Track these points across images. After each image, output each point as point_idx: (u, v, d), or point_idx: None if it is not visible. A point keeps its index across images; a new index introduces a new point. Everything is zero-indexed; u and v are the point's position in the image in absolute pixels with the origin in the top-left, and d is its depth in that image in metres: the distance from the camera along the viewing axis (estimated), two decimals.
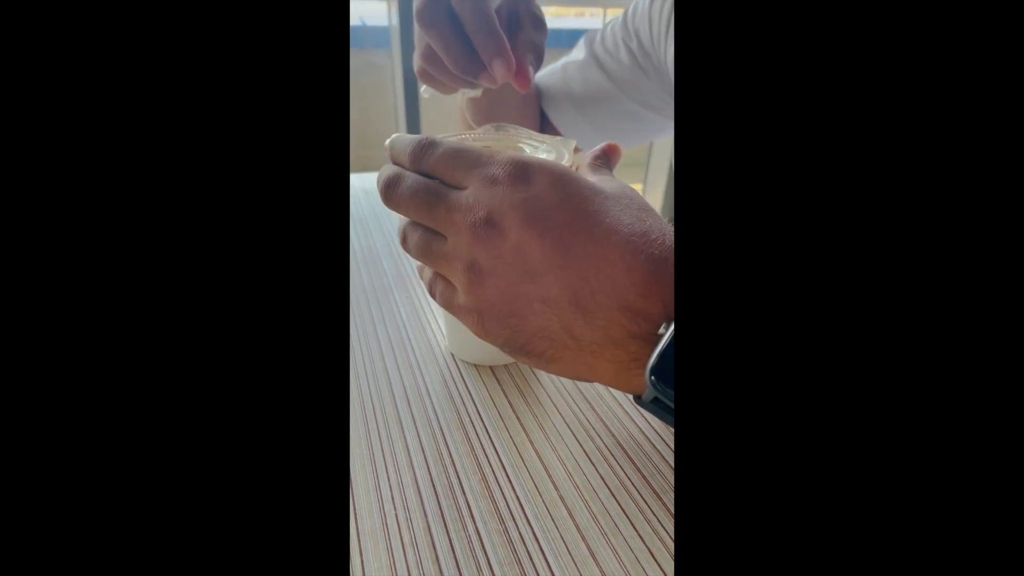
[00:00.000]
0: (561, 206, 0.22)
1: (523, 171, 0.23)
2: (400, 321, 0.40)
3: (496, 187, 0.22)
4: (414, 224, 0.26)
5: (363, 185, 0.66)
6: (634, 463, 0.28)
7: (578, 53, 0.52)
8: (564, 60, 0.52)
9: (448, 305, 0.26)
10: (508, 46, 0.29)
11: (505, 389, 0.33)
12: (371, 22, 1.77)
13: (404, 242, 0.26)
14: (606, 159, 0.28)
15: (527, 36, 0.32)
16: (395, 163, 0.27)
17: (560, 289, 0.22)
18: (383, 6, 1.70)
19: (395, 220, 0.56)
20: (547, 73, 0.53)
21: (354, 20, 1.75)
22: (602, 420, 0.31)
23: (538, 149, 0.32)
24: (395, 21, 1.61)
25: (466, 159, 0.24)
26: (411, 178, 0.25)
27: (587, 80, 0.50)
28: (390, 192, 0.25)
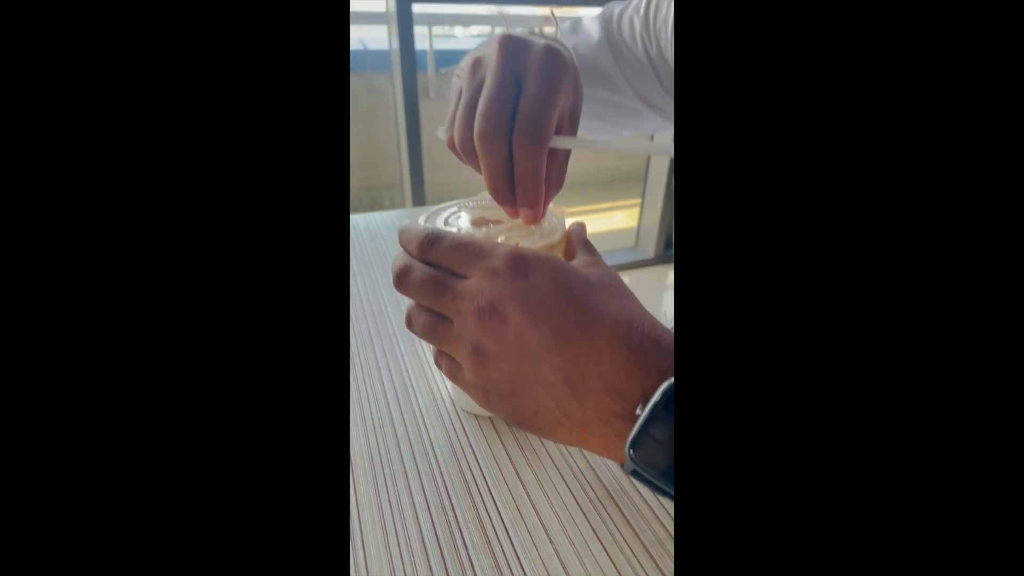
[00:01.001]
0: (555, 297, 0.25)
1: (520, 264, 0.25)
2: (404, 369, 0.42)
3: (497, 278, 0.25)
4: (419, 307, 0.28)
5: (368, 226, 0.68)
6: (624, 515, 0.30)
7: (591, 28, 0.49)
8: (573, 40, 0.50)
9: (454, 379, 0.28)
10: (543, 199, 0.31)
11: (504, 440, 0.36)
12: (372, 46, 1.80)
13: (410, 324, 0.29)
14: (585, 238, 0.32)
15: (558, 167, 0.33)
16: (404, 250, 0.29)
17: (555, 372, 0.24)
18: (383, 30, 1.74)
19: None
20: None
21: (355, 44, 1.79)
22: (592, 468, 0.33)
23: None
24: (395, 45, 1.65)
25: (469, 252, 0.26)
26: (420, 269, 0.28)
27: (597, 65, 0.49)
28: (401, 281, 0.28)
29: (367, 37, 1.81)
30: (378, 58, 1.80)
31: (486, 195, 0.37)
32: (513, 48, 0.30)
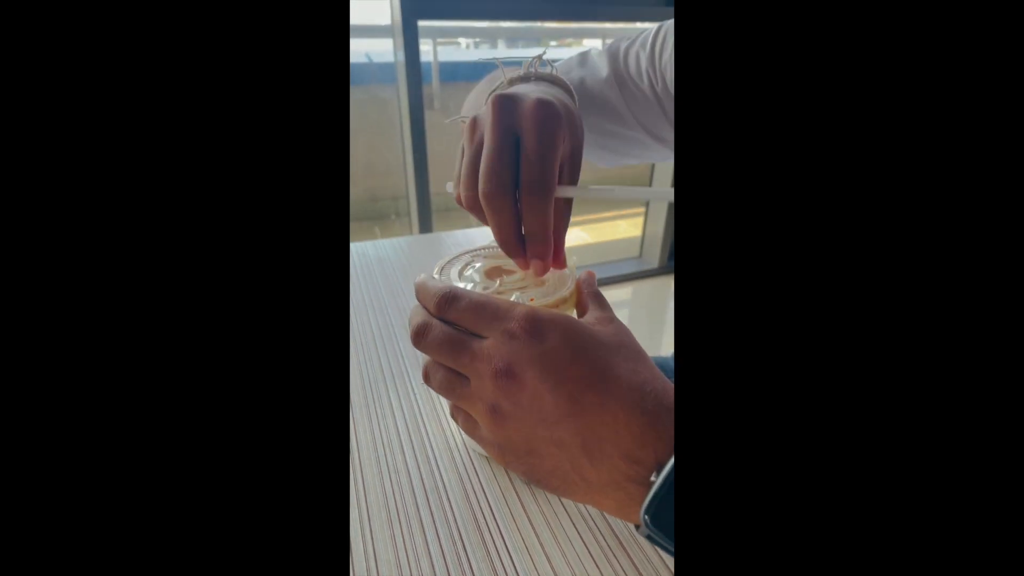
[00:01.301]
0: (571, 361, 0.25)
1: (536, 327, 0.26)
2: (416, 409, 0.43)
3: (514, 341, 0.26)
4: (436, 364, 0.29)
5: (378, 253, 0.69)
6: (635, 565, 0.31)
7: (599, 63, 0.50)
8: (581, 73, 0.51)
9: (470, 434, 0.29)
10: (553, 251, 0.31)
11: (516, 486, 0.36)
12: (378, 59, 1.82)
13: (427, 379, 0.30)
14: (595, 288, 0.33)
15: (561, 213, 0.33)
16: (422, 306, 0.30)
17: (571, 435, 0.25)
18: (389, 43, 1.75)
19: (410, 297, 0.59)
20: (563, 74, 0.50)
21: (361, 57, 1.80)
22: (604, 517, 0.34)
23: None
24: (401, 57, 1.66)
25: (486, 313, 0.27)
26: (438, 328, 0.28)
27: (605, 98, 0.50)
28: (420, 339, 0.29)
29: (373, 50, 1.82)
30: (383, 70, 1.81)
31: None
32: (506, 106, 0.31)
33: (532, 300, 0.31)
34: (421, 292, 0.31)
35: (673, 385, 0.27)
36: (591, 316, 0.31)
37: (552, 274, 0.35)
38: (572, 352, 0.26)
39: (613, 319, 0.31)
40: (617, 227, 2.46)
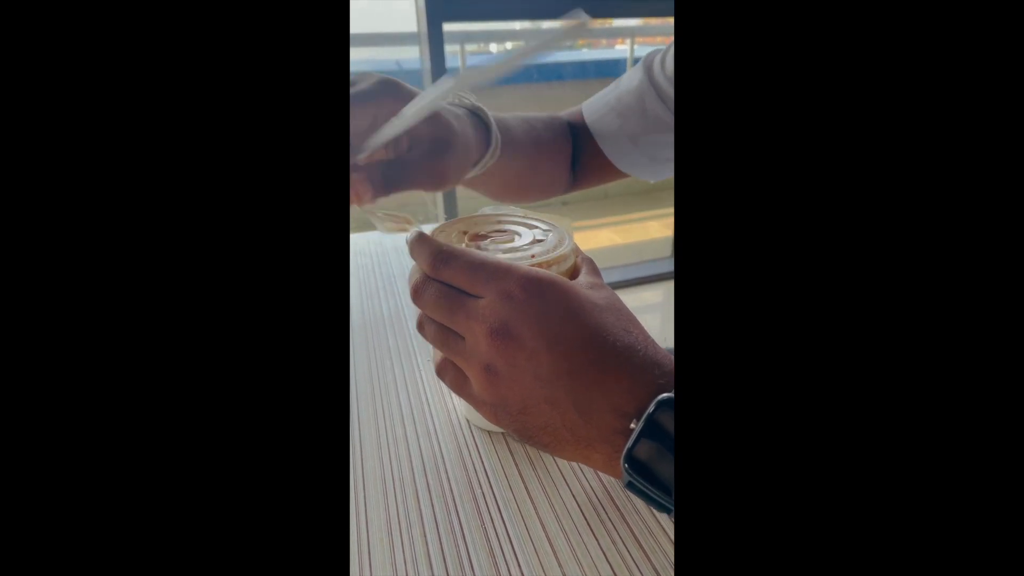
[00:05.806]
0: (568, 321, 0.25)
1: (535, 287, 0.26)
2: (420, 384, 0.43)
3: (511, 301, 0.26)
4: (431, 318, 0.29)
5: (394, 244, 0.70)
6: (636, 537, 0.29)
7: (632, 78, 0.51)
8: (617, 90, 0.52)
9: (459, 391, 0.29)
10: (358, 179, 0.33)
11: (516, 459, 0.35)
12: (407, 66, 1.86)
13: (421, 329, 0.29)
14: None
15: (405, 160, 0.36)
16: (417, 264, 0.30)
17: (565, 393, 0.25)
18: (416, 50, 1.79)
19: None
20: (600, 107, 0.52)
21: (391, 64, 1.85)
22: (608, 491, 0.33)
23: (539, 230, 0.35)
24: (428, 64, 1.69)
25: (483, 273, 0.27)
26: (434, 287, 0.28)
27: (645, 112, 0.50)
28: (417, 297, 0.29)
29: (403, 57, 1.86)
30: (412, 77, 1.85)
31: (487, 210, 0.38)
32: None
33: (533, 256, 0.31)
34: (415, 250, 0.30)
35: (661, 345, 0.27)
36: (583, 279, 0.30)
37: (553, 234, 0.34)
38: (567, 313, 0.26)
39: (604, 285, 0.30)
40: (647, 228, 2.43)
